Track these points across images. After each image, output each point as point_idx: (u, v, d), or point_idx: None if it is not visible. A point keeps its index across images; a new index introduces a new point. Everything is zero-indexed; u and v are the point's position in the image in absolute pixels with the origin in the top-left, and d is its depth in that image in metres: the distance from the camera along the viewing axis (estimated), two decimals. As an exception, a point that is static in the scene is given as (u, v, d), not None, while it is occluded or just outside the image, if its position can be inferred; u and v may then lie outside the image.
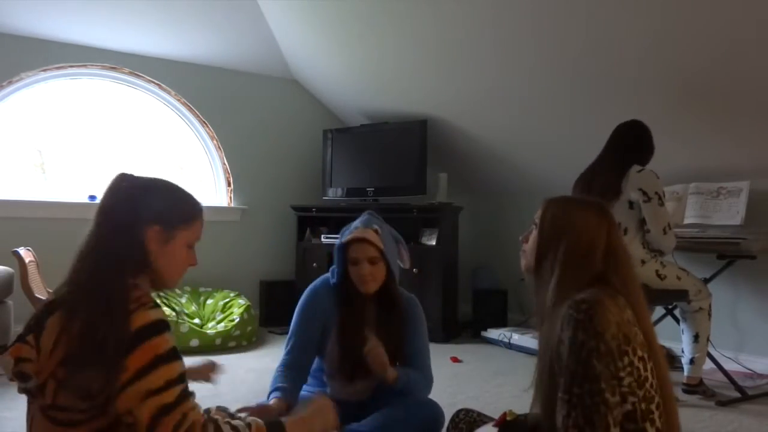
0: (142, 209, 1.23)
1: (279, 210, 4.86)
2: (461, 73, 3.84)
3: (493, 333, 4.09)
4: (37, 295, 2.92)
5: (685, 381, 2.89)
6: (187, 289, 4.20)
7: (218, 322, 3.96)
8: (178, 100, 4.52)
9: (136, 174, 1.29)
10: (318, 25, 4.14)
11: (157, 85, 4.41)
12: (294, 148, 5.01)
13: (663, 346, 2.87)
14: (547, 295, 1.30)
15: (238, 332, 3.87)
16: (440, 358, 3.55)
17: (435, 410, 1.97)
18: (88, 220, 1.27)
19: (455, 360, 3.60)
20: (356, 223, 2.03)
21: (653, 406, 1.19)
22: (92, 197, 4.02)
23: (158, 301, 1.21)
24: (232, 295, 4.24)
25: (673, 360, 3.32)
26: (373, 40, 3.99)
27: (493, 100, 3.92)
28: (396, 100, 4.51)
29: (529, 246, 1.40)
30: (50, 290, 3.01)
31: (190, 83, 4.51)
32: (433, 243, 4.24)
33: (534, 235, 1.39)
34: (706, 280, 3.04)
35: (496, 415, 1.51)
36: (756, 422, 2.55)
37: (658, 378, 1.22)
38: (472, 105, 4.10)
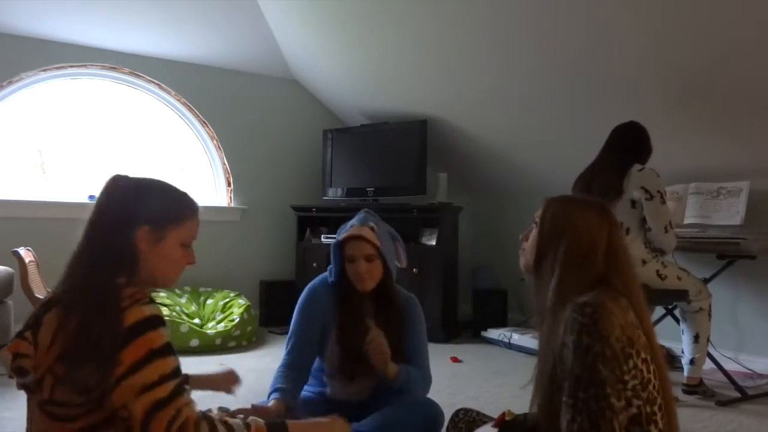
0: (133, 210, 1.25)
1: (279, 210, 4.86)
2: (461, 73, 3.84)
3: (493, 333, 4.09)
4: (37, 295, 2.93)
5: (685, 381, 2.89)
6: (187, 289, 4.20)
7: (218, 322, 3.96)
8: (178, 100, 4.52)
9: (131, 175, 1.31)
10: (318, 25, 4.14)
11: (157, 85, 4.41)
12: (294, 148, 5.01)
13: (663, 346, 2.88)
14: (548, 296, 1.29)
15: (238, 332, 3.87)
16: (440, 358, 3.55)
17: (435, 410, 1.96)
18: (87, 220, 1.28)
19: (455, 360, 3.60)
20: (353, 221, 2.03)
21: (656, 408, 1.19)
22: (92, 197, 4.00)
23: (156, 299, 1.22)
24: (232, 295, 4.24)
25: (673, 360, 3.33)
26: (373, 40, 3.99)
27: (493, 100, 3.92)
28: (396, 100, 4.51)
29: (529, 244, 1.39)
30: (50, 290, 3.01)
31: (190, 83, 4.51)
32: (433, 243, 4.24)
33: (534, 233, 1.39)
34: (706, 280, 3.04)
35: (496, 415, 1.51)
36: (756, 422, 2.55)
37: (659, 379, 1.21)
38: (472, 105, 4.10)
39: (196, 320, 3.95)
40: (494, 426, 1.46)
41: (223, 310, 4.10)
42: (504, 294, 4.48)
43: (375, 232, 1.97)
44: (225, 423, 1.16)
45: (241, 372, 1.73)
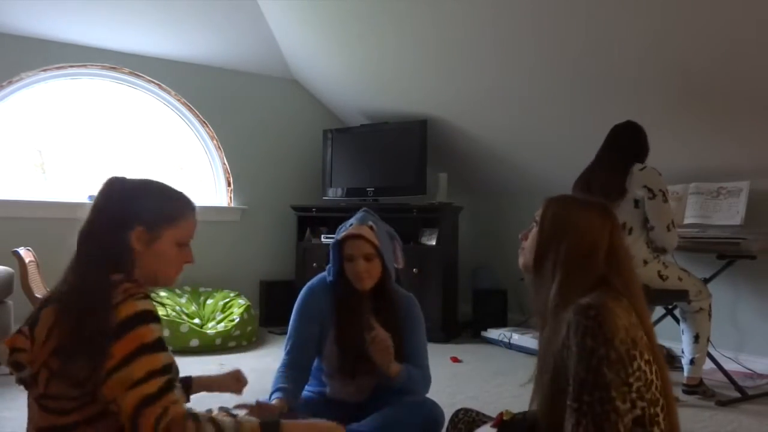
0: (127, 212, 1.27)
1: (279, 210, 4.86)
2: (461, 73, 3.84)
3: (493, 333, 4.09)
4: (37, 295, 2.92)
5: (685, 381, 2.89)
6: (187, 289, 4.20)
7: (218, 322, 3.96)
8: (178, 100, 4.52)
9: (128, 177, 1.33)
10: (318, 25, 4.14)
11: (157, 85, 4.41)
12: (294, 148, 5.01)
13: (663, 346, 2.88)
14: (550, 297, 1.28)
15: (238, 332, 3.87)
16: (440, 358, 3.54)
17: (435, 410, 1.96)
18: (87, 220, 1.30)
19: (455, 360, 3.60)
20: (352, 219, 2.03)
21: (658, 409, 1.19)
22: (92, 197, 4.00)
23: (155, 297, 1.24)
24: (232, 295, 4.24)
25: (673, 360, 3.33)
26: (373, 40, 3.99)
27: (493, 100, 3.92)
28: (396, 100, 4.51)
29: (528, 244, 1.39)
30: (50, 290, 3.01)
31: (190, 83, 4.51)
32: (433, 243, 4.24)
33: (534, 233, 1.38)
34: (706, 280, 3.04)
35: (495, 415, 1.50)
36: (756, 422, 2.55)
37: (660, 379, 1.21)
38: (472, 105, 4.10)
39: (196, 320, 3.95)
40: (493, 426, 1.45)
41: (223, 310, 4.10)
42: (504, 294, 4.48)
43: (374, 231, 1.97)
44: (213, 421, 1.16)
45: (241, 372, 1.73)
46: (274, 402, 1.81)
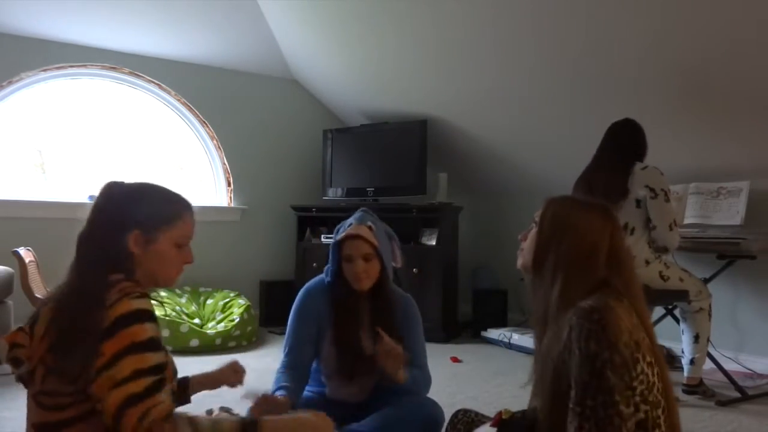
0: (124, 215, 1.28)
1: (279, 210, 4.85)
2: (461, 73, 3.84)
3: (493, 333, 4.09)
4: (37, 295, 2.93)
5: (685, 381, 2.89)
6: (187, 289, 4.20)
7: (218, 322, 3.96)
8: (178, 100, 4.52)
9: (126, 181, 1.34)
10: (318, 25, 4.14)
11: (157, 85, 4.41)
12: (294, 148, 5.00)
13: (663, 346, 2.88)
14: (551, 300, 1.28)
15: (238, 332, 3.87)
16: (440, 358, 3.55)
17: (434, 410, 1.96)
18: (87, 220, 1.32)
19: (455, 360, 3.60)
20: (350, 219, 2.02)
21: (660, 411, 1.18)
22: (92, 197, 4.00)
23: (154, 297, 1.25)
24: (232, 295, 4.24)
25: (673, 360, 3.33)
26: (373, 40, 3.99)
27: (493, 100, 3.92)
28: (396, 100, 4.51)
29: (527, 244, 1.38)
30: (50, 290, 3.01)
31: (190, 83, 4.51)
32: (433, 243, 4.24)
33: (533, 233, 1.37)
34: (706, 280, 3.04)
35: (495, 414, 1.50)
36: (756, 422, 2.55)
37: (661, 381, 1.21)
38: (472, 105, 4.10)
39: (196, 320, 3.95)
40: (492, 425, 1.45)
41: (223, 310, 4.10)
42: (504, 294, 4.48)
43: (372, 231, 1.96)
44: (192, 422, 1.15)
45: (241, 372, 1.73)
46: (279, 397, 1.80)
